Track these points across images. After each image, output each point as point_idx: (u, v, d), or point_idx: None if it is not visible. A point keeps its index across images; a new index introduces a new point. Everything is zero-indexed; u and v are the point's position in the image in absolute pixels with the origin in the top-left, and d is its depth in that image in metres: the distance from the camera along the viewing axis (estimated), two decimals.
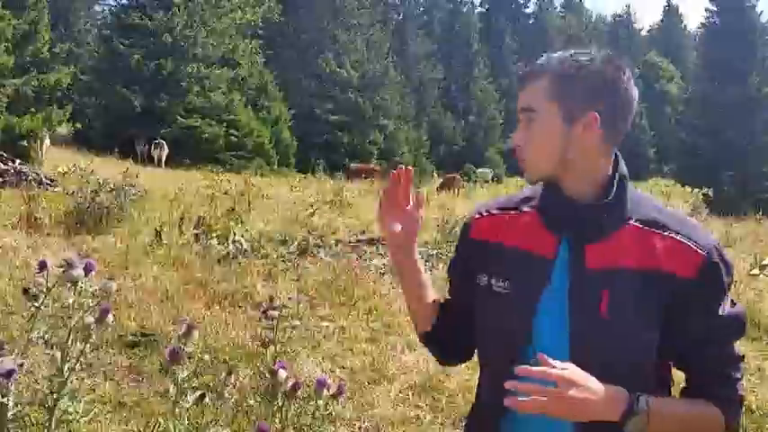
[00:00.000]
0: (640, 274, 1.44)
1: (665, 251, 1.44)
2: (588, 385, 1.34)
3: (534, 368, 1.33)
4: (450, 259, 1.80)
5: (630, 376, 1.41)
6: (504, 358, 1.46)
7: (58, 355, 2.13)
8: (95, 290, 2.13)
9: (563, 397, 1.31)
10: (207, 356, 2.68)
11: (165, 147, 24.04)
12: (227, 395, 2.77)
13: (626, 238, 1.47)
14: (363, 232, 10.48)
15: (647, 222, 1.48)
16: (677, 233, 1.46)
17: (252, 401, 3.61)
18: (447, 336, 1.73)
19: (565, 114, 1.45)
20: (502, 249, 1.58)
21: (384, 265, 8.26)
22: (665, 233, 1.46)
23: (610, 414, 1.35)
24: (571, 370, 1.34)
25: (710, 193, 33.32)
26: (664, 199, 19.14)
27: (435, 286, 1.77)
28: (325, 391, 2.41)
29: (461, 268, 1.71)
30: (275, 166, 30.52)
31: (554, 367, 1.33)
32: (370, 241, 9.63)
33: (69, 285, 2.08)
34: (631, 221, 1.49)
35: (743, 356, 1.54)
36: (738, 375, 1.52)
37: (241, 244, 7.93)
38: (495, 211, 1.66)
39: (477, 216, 1.68)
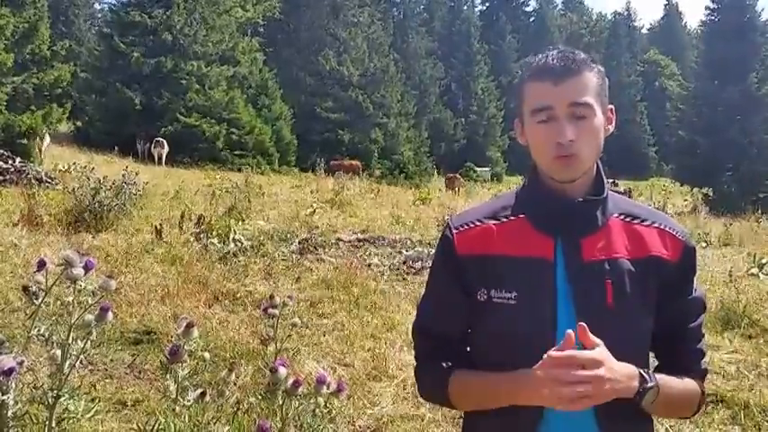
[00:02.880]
0: (635, 261, 1.52)
1: (651, 239, 1.55)
2: (611, 365, 1.36)
3: (565, 353, 1.34)
4: (434, 284, 1.68)
5: (634, 361, 1.45)
6: (533, 364, 1.42)
7: (59, 353, 2.14)
8: (95, 288, 2.13)
9: (602, 379, 1.33)
10: (207, 354, 2.69)
11: (166, 145, 24.03)
12: (227, 393, 2.77)
13: (614, 230, 1.55)
14: (364, 231, 10.49)
15: (627, 214, 1.59)
16: (656, 222, 1.58)
17: (252, 399, 3.62)
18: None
19: (603, 109, 1.53)
20: (499, 260, 1.54)
21: (381, 262, 8.27)
22: (646, 223, 1.58)
23: (627, 390, 1.39)
24: (600, 350, 1.36)
25: (710, 192, 33.44)
26: (663, 198, 19.15)
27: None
28: (325, 388, 2.41)
29: (454, 288, 1.59)
30: (276, 165, 30.51)
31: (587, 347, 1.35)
32: (371, 240, 9.64)
33: (69, 283, 2.09)
34: (614, 215, 1.57)
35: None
36: (705, 350, 1.64)
37: (241, 242, 7.93)
38: (477, 223, 1.60)
39: (457, 230, 1.60)
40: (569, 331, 1.36)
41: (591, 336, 1.36)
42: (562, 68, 1.48)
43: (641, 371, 1.43)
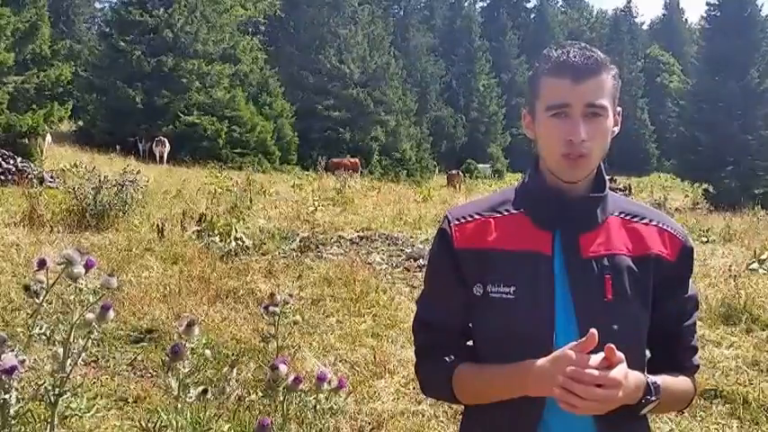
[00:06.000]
0: (634, 258, 1.53)
1: (650, 238, 1.56)
2: (628, 383, 1.36)
3: (592, 373, 1.32)
4: (432, 278, 1.67)
5: (631, 358, 1.43)
6: (531, 357, 1.42)
7: (60, 351, 2.15)
8: (97, 286, 2.14)
9: (613, 400, 1.33)
10: (209, 352, 2.70)
11: (167, 143, 24.07)
12: (229, 390, 2.79)
13: (613, 227, 1.56)
14: (365, 229, 10.50)
15: (627, 213, 1.59)
16: (655, 221, 1.59)
17: (254, 396, 3.64)
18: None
19: (613, 111, 1.53)
20: (497, 255, 1.54)
21: (383, 259, 8.28)
22: (646, 222, 1.58)
23: (631, 399, 1.40)
24: (622, 367, 1.35)
25: (710, 188, 33.41)
26: (664, 194, 19.15)
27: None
28: (326, 385, 2.43)
29: (452, 281, 1.58)
30: (277, 163, 30.51)
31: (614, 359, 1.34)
32: (372, 237, 9.65)
33: (70, 282, 2.10)
34: (613, 213, 1.58)
35: None
36: (698, 346, 1.66)
37: (243, 240, 7.95)
38: (476, 216, 1.59)
39: (456, 224, 1.59)
40: (593, 331, 1.33)
41: (618, 353, 1.34)
42: (583, 67, 1.46)
43: (649, 382, 1.43)
